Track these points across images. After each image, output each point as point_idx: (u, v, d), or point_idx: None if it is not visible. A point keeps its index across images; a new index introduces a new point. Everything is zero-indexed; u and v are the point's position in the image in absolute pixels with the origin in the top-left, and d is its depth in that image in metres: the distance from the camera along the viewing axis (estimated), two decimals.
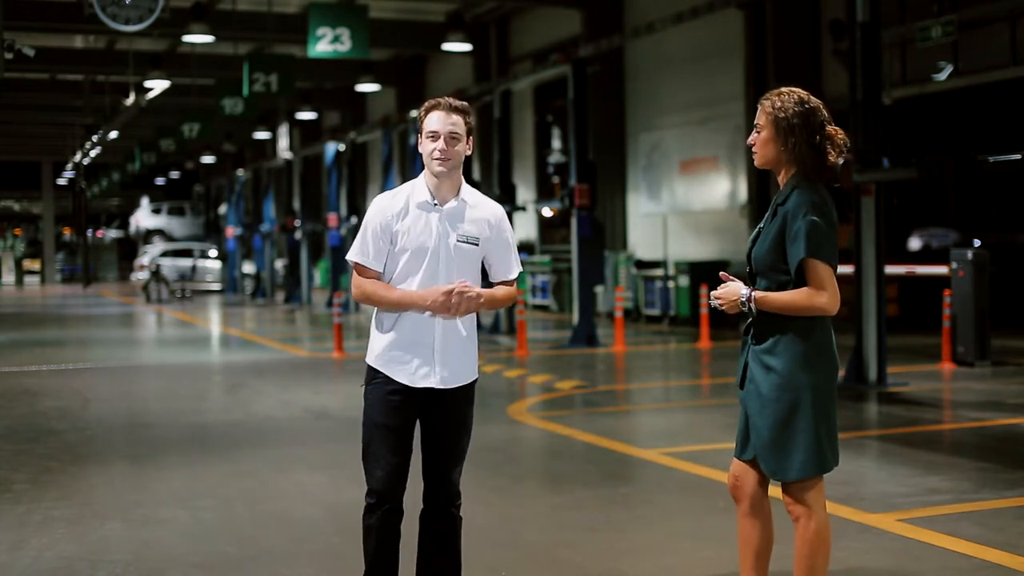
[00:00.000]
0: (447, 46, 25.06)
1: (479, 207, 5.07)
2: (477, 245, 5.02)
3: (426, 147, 4.94)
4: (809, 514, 4.67)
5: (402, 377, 4.93)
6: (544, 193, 29.62)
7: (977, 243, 22.13)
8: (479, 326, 22.19)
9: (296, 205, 34.73)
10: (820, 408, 4.63)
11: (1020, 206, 25.55)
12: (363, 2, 23.02)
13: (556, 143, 29.68)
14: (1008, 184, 24.53)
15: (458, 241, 4.97)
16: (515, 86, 22.83)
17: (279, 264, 38.76)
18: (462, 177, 5.08)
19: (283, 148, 43.92)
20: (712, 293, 4.76)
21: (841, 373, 4.78)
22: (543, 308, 27.48)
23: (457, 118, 4.94)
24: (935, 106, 22.22)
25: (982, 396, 12.73)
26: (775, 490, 4.87)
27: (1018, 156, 12.44)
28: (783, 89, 4.71)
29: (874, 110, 13.34)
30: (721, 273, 4.80)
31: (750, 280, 4.73)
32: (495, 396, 13.54)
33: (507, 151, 21.78)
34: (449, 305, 4.84)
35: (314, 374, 15.72)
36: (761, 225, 4.74)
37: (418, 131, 5.01)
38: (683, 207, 24.08)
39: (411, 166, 26.25)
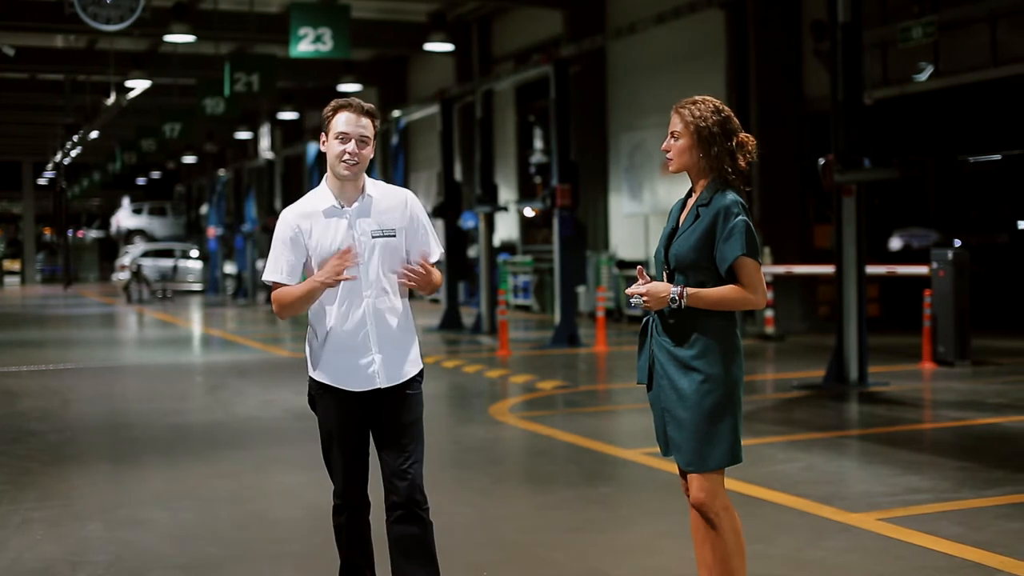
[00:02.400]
0: (429, 46, 25.02)
1: (387, 197, 4.99)
2: (395, 236, 4.93)
3: (333, 148, 4.85)
4: (727, 507, 4.76)
5: (346, 383, 4.91)
6: (526, 193, 29.59)
7: (958, 243, 22.25)
8: (460, 327, 22.26)
9: (278, 205, 34.65)
10: (738, 401, 4.77)
11: (1000, 206, 25.68)
12: (345, 2, 22.98)
13: (538, 143, 29.62)
14: (988, 184, 24.66)
15: (374, 237, 4.89)
16: (497, 86, 22.84)
17: (260, 264, 38.66)
18: (365, 176, 5.00)
19: (265, 148, 43.81)
20: (633, 290, 4.74)
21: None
22: (525, 308, 27.48)
23: (367, 121, 4.87)
24: (916, 107, 22.30)
25: (962, 396, 12.78)
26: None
27: (998, 157, 12.49)
28: (696, 98, 4.82)
29: (855, 110, 13.36)
30: (639, 268, 4.81)
31: (667, 278, 4.78)
32: (477, 396, 13.54)
33: (489, 151, 21.77)
34: (340, 271, 4.77)
35: (295, 374, 15.67)
36: (673, 226, 4.85)
37: (324, 131, 4.92)
38: (665, 207, 24.07)
39: (392, 166, 26.25)
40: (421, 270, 4.91)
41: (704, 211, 4.72)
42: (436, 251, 5.08)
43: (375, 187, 5.01)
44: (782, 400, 12.55)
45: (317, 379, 4.99)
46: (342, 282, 4.83)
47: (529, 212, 25.24)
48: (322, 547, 6.70)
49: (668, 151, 4.83)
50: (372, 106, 4.94)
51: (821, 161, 13.40)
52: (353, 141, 4.83)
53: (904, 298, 21.01)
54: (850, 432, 10.85)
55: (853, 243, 13.47)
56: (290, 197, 35.31)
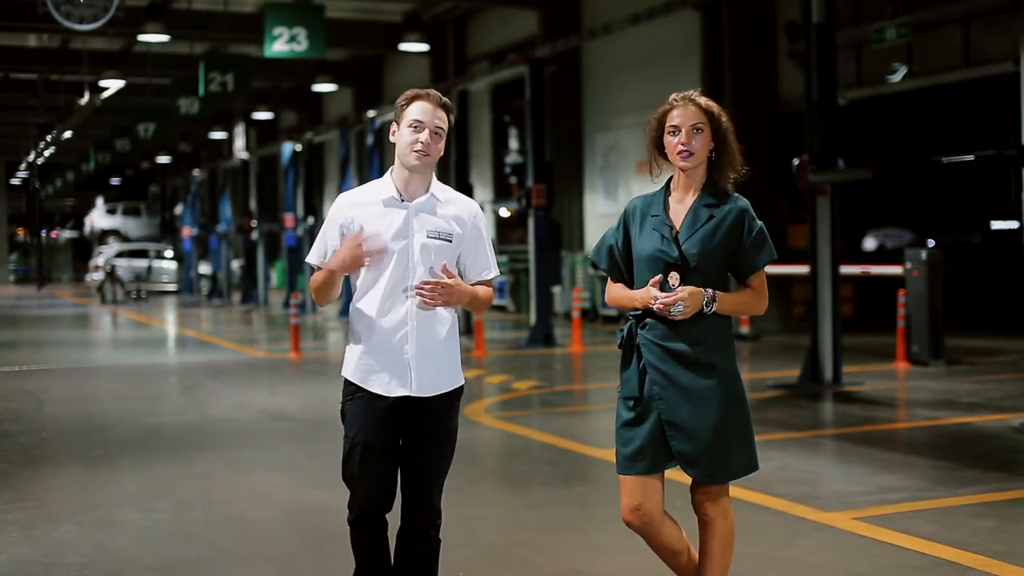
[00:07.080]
0: (404, 46, 25.02)
1: (452, 203, 4.71)
2: (450, 242, 4.62)
3: (405, 137, 4.55)
4: (725, 514, 4.66)
5: (377, 387, 4.58)
6: (501, 193, 29.61)
7: (931, 243, 22.36)
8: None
9: (252, 206, 34.56)
10: (749, 405, 4.66)
11: (973, 207, 25.81)
12: (320, 2, 22.94)
13: (513, 143, 29.68)
14: (962, 185, 24.79)
15: (428, 238, 4.58)
16: (472, 86, 22.82)
17: (235, 265, 38.56)
18: (434, 175, 4.73)
19: (239, 148, 43.69)
20: (672, 298, 4.41)
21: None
22: (501, 308, 27.48)
23: (443, 114, 4.59)
24: (890, 107, 22.41)
25: (936, 395, 12.83)
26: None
27: (971, 157, 12.53)
28: (698, 93, 4.59)
29: (829, 111, 13.41)
30: (653, 280, 4.50)
31: (681, 280, 4.48)
32: None
33: (464, 151, 21.76)
34: (358, 256, 4.49)
35: (271, 375, 15.64)
36: (671, 226, 4.57)
37: (396, 120, 4.62)
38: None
39: (368, 167, 26.21)
40: (446, 280, 4.55)
41: (716, 212, 4.50)
42: (493, 269, 4.81)
43: (443, 191, 4.75)
44: (757, 400, 12.57)
45: (350, 379, 4.66)
46: (387, 282, 4.58)
47: (504, 212, 25.26)
48: (297, 548, 6.69)
49: (687, 145, 4.50)
50: (449, 101, 4.67)
51: (795, 161, 13.44)
52: (427, 131, 4.55)
53: (878, 298, 21.09)
54: (825, 431, 10.89)
55: (827, 243, 13.51)
56: (265, 198, 35.50)
